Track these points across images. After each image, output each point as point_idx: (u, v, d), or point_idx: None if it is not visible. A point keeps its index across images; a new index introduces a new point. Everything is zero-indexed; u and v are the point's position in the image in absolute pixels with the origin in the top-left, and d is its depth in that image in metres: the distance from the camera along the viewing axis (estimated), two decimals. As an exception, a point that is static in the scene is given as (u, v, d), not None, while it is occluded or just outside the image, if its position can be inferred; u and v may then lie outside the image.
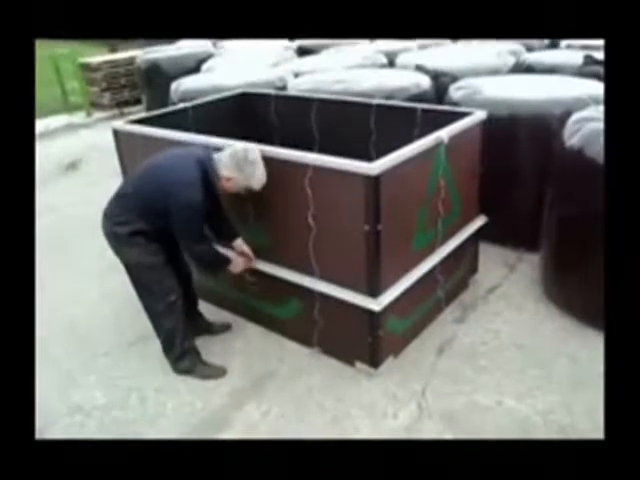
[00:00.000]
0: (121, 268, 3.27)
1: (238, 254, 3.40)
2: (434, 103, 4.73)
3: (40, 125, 9.60)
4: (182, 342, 3.35)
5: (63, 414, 3.21)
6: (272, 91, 5.16)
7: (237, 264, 3.34)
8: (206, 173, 3.04)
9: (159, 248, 3.17)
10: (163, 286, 3.21)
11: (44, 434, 3.03)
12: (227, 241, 3.45)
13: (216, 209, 3.25)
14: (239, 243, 3.43)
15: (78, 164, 7.87)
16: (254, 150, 3.06)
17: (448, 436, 2.88)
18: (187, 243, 3.12)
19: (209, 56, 8.88)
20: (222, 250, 3.33)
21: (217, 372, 3.40)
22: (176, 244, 3.20)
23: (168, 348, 3.39)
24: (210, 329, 3.76)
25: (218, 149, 3.17)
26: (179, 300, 3.28)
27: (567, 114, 3.80)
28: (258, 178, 3.06)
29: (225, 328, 3.81)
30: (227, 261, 3.29)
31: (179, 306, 3.28)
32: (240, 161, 3.01)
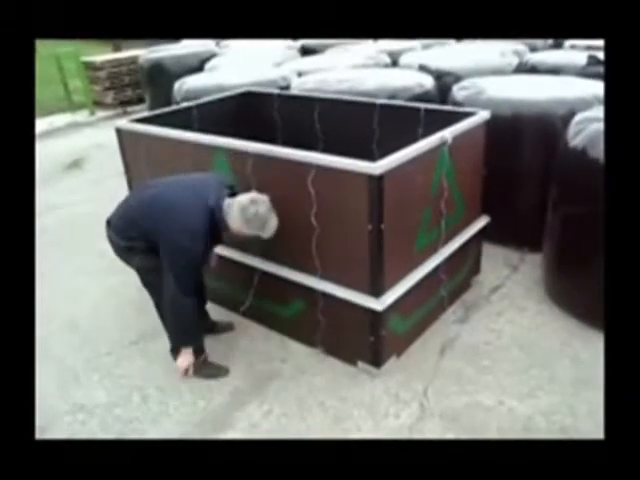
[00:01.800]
0: (123, 267, 3.27)
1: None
2: (437, 103, 4.72)
3: (43, 124, 9.62)
4: (200, 351, 3.36)
5: (65, 412, 3.21)
6: (275, 90, 5.16)
7: (186, 356, 3.27)
8: (212, 218, 2.99)
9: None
10: (172, 292, 3.11)
11: (46, 432, 3.04)
12: None
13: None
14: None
15: (81, 163, 7.87)
16: (264, 202, 2.98)
17: (450, 436, 2.88)
18: (174, 287, 3.00)
19: (212, 55, 8.88)
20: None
21: (220, 372, 3.40)
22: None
23: (176, 349, 3.37)
24: (214, 329, 3.74)
25: (231, 191, 3.13)
26: (193, 304, 3.20)
27: (571, 114, 3.79)
28: (268, 231, 3.03)
29: (228, 328, 3.80)
30: (191, 341, 3.27)
31: (192, 310, 3.20)
32: (249, 218, 2.94)
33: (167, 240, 2.96)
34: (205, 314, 3.74)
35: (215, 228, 3.03)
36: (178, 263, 2.97)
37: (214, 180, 3.18)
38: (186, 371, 3.30)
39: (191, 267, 3.02)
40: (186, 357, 3.26)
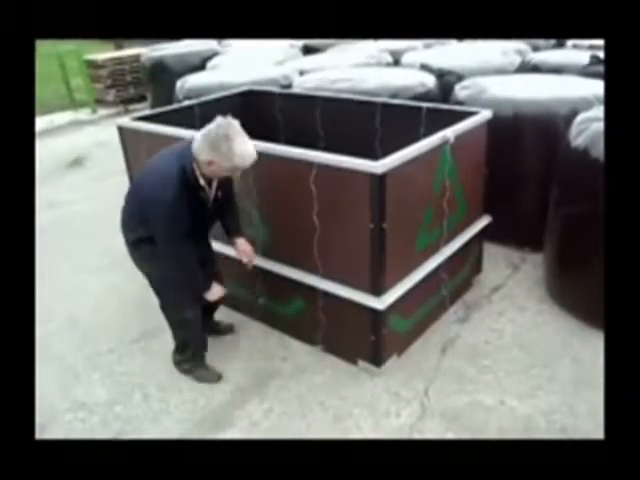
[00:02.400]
0: (124, 265, 3.28)
1: (239, 252, 3.28)
2: (439, 102, 4.72)
3: (45, 121, 9.63)
4: (194, 353, 3.36)
5: (66, 410, 3.22)
6: (277, 89, 5.16)
7: (217, 290, 3.15)
8: (184, 167, 2.77)
9: None
10: (178, 301, 3.14)
11: (47, 430, 3.05)
12: (228, 235, 3.32)
13: (224, 201, 3.10)
14: (240, 242, 3.28)
15: (83, 161, 7.88)
16: (229, 124, 2.70)
17: (450, 435, 2.88)
18: (160, 243, 2.86)
19: (214, 54, 8.89)
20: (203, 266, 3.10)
21: (212, 377, 3.37)
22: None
23: (179, 351, 3.40)
24: (217, 329, 3.72)
25: None
26: (196, 315, 3.19)
27: (573, 114, 3.79)
28: (240, 153, 2.69)
29: (229, 329, 3.78)
30: (201, 286, 3.08)
31: (194, 320, 3.20)
32: (213, 139, 2.67)
33: (144, 202, 2.83)
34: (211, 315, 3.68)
35: (190, 178, 2.78)
36: (159, 222, 2.80)
37: (184, 141, 2.96)
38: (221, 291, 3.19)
39: (169, 217, 2.77)
40: (214, 291, 3.12)
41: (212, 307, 3.52)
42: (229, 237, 3.32)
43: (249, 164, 2.78)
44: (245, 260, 3.29)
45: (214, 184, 2.97)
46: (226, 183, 3.07)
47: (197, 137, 2.76)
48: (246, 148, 2.72)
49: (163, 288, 3.16)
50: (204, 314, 3.35)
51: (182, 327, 3.27)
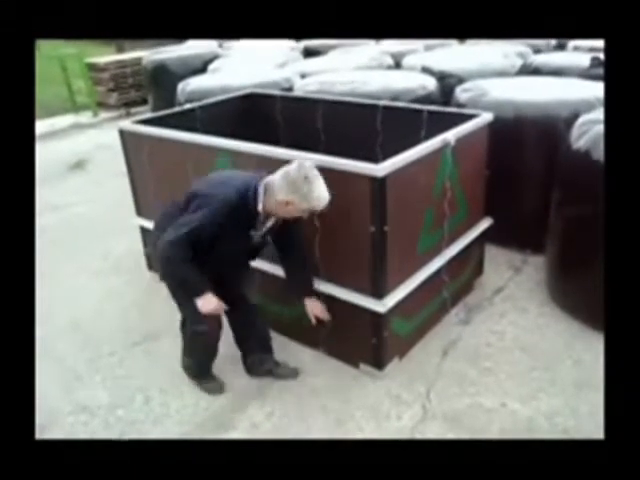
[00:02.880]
0: (126, 267, 3.28)
1: (310, 314, 3.17)
2: (440, 105, 4.72)
3: (46, 125, 9.64)
4: (200, 361, 3.28)
5: (67, 413, 3.22)
6: (278, 92, 5.16)
7: (209, 301, 2.84)
8: (246, 195, 2.71)
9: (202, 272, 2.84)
10: (194, 312, 2.88)
11: (48, 433, 3.04)
12: (296, 295, 3.21)
13: (284, 248, 3.08)
14: (312, 304, 3.17)
15: (84, 164, 7.89)
16: (309, 166, 2.68)
17: (452, 438, 2.88)
18: (166, 244, 2.72)
19: (215, 57, 8.90)
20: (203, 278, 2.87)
21: (217, 388, 3.28)
22: (222, 278, 2.96)
23: (187, 354, 3.31)
24: (275, 372, 3.38)
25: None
26: (210, 335, 3.03)
27: (574, 116, 3.79)
28: (318, 197, 2.67)
29: (293, 374, 3.39)
30: (201, 291, 2.83)
31: (207, 340, 3.07)
32: (294, 180, 2.64)
33: (191, 209, 2.77)
34: (267, 353, 3.39)
35: (244, 208, 2.72)
36: (185, 221, 2.73)
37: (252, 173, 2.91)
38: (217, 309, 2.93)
39: (196, 227, 2.69)
40: (207, 301, 2.84)
41: (257, 335, 3.33)
42: (299, 295, 3.22)
43: (323, 207, 2.73)
44: (314, 321, 3.21)
45: (268, 224, 2.92)
46: (285, 229, 2.98)
47: (275, 175, 2.73)
48: (323, 190, 2.70)
49: (178, 300, 3.02)
50: (249, 349, 3.31)
51: (193, 341, 3.14)
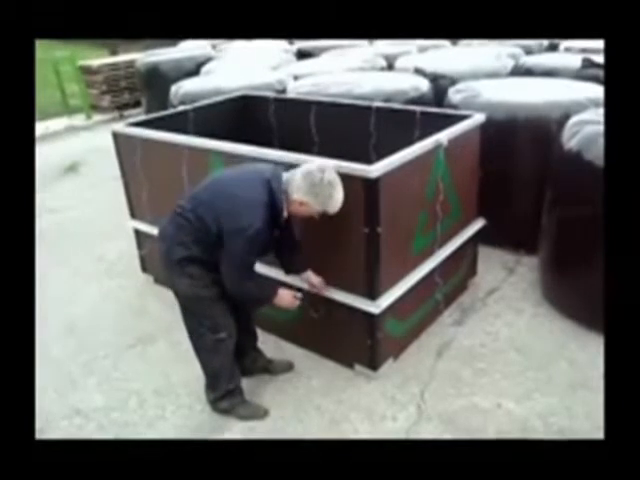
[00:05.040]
0: (120, 270, 3.27)
1: (311, 286, 3.17)
2: (433, 106, 4.74)
3: (40, 127, 9.61)
4: (228, 383, 3.04)
5: (62, 416, 3.21)
6: (271, 94, 5.16)
7: (282, 298, 2.92)
8: (273, 196, 2.65)
9: (215, 280, 2.76)
10: (214, 321, 2.85)
11: (42, 436, 3.03)
12: (295, 273, 3.18)
13: (284, 236, 2.94)
14: (308, 275, 3.14)
15: (78, 167, 7.87)
16: (331, 170, 2.67)
17: (447, 438, 2.89)
18: (232, 276, 2.69)
19: (209, 59, 8.90)
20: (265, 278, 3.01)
21: (258, 412, 3.12)
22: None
23: (212, 387, 3.08)
24: (270, 368, 3.40)
25: (292, 166, 2.83)
26: (230, 339, 2.93)
27: (566, 117, 3.82)
28: (336, 202, 2.68)
29: (288, 367, 3.44)
30: (273, 294, 2.90)
31: (228, 345, 2.94)
32: (316, 183, 2.60)
33: (225, 223, 2.63)
34: (259, 352, 3.40)
35: (276, 210, 2.68)
36: (238, 244, 2.61)
37: (269, 165, 2.88)
38: (294, 299, 2.98)
39: (250, 250, 2.66)
40: (283, 297, 2.93)
41: (252, 333, 3.32)
42: (297, 273, 3.19)
43: (334, 213, 2.74)
44: (317, 291, 3.21)
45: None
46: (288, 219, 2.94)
47: (295, 174, 2.68)
48: (341, 196, 2.70)
49: (202, 310, 2.87)
50: (246, 341, 3.23)
51: (215, 351, 2.93)
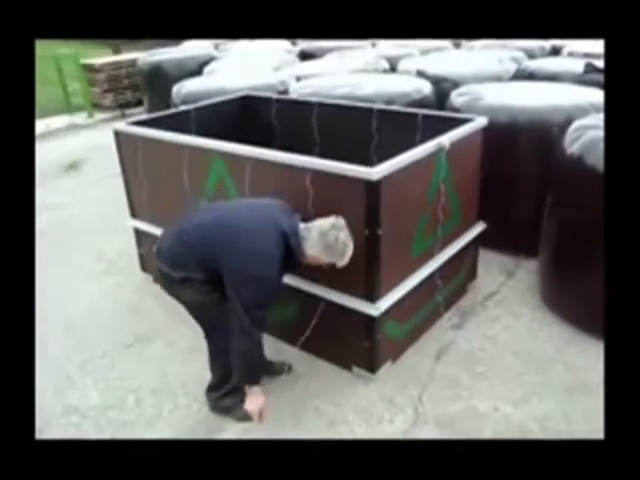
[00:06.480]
0: (119, 269, 3.27)
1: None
2: (435, 109, 4.74)
3: (41, 125, 9.61)
4: (235, 386, 3.03)
5: (59, 415, 3.20)
6: (274, 95, 5.16)
7: (255, 397, 2.89)
8: (291, 252, 2.72)
9: (215, 288, 2.77)
10: (224, 325, 2.82)
11: (41, 434, 3.02)
12: None
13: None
14: None
15: (79, 165, 7.87)
16: (345, 228, 2.75)
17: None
18: (244, 318, 2.65)
19: (211, 59, 8.90)
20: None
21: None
22: None
23: (217, 386, 3.08)
24: (269, 369, 3.35)
25: (304, 219, 2.84)
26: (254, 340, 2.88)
27: (568, 122, 3.81)
28: (347, 257, 2.79)
29: (287, 369, 3.42)
30: (257, 378, 2.90)
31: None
32: (331, 244, 2.70)
33: (236, 266, 2.65)
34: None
35: (287, 256, 2.75)
36: (249, 292, 2.64)
37: (282, 205, 2.92)
38: (261, 414, 2.94)
39: (265, 296, 2.70)
40: (256, 399, 2.90)
41: None
42: None
43: (343, 265, 2.82)
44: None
45: None
46: None
47: (312, 233, 2.73)
48: (351, 250, 2.80)
49: (215, 312, 2.86)
50: None
51: (227, 353, 2.89)
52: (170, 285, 2.85)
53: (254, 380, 2.89)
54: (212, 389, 3.13)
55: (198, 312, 2.90)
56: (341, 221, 2.77)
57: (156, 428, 3.08)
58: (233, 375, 2.91)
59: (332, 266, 2.85)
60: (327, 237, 2.70)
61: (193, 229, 2.78)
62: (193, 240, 2.74)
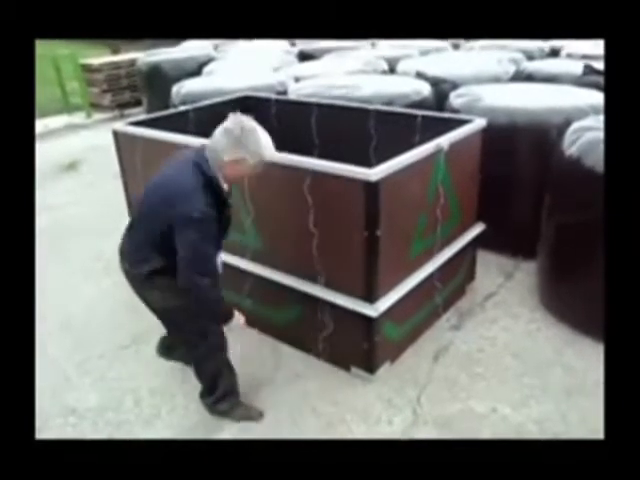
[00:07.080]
0: (117, 268, 3.25)
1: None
2: (434, 110, 4.74)
3: (40, 125, 9.60)
4: (225, 384, 3.02)
5: (56, 415, 3.20)
6: (273, 95, 5.16)
7: (239, 318, 2.82)
8: (206, 175, 2.57)
9: (181, 291, 2.66)
10: (198, 325, 2.80)
11: (39, 434, 3.02)
12: None
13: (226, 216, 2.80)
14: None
15: (77, 165, 7.86)
16: (247, 119, 2.59)
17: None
18: (187, 270, 2.55)
19: (210, 59, 8.90)
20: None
21: (253, 414, 3.10)
22: None
23: (208, 392, 3.05)
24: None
25: None
26: (224, 339, 2.92)
27: (566, 123, 3.82)
28: (265, 145, 2.59)
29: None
30: (229, 310, 2.78)
31: (223, 345, 2.94)
32: (238, 135, 2.53)
33: (169, 215, 2.53)
34: None
35: (215, 188, 2.60)
36: (187, 236, 2.51)
37: (192, 150, 2.78)
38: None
39: (203, 238, 2.52)
40: (237, 319, 2.80)
41: None
42: None
43: (272, 158, 2.67)
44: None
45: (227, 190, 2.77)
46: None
47: (214, 140, 2.60)
48: (268, 139, 2.63)
49: (184, 319, 2.81)
50: None
51: (212, 357, 2.92)
52: (137, 286, 2.80)
53: (226, 309, 2.77)
54: (204, 395, 3.10)
55: (169, 317, 2.88)
56: (239, 116, 2.60)
57: (154, 428, 3.07)
58: (221, 378, 2.96)
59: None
60: (230, 132, 2.54)
61: (137, 215, 2.81)
62: (138, 224, 2.75)
